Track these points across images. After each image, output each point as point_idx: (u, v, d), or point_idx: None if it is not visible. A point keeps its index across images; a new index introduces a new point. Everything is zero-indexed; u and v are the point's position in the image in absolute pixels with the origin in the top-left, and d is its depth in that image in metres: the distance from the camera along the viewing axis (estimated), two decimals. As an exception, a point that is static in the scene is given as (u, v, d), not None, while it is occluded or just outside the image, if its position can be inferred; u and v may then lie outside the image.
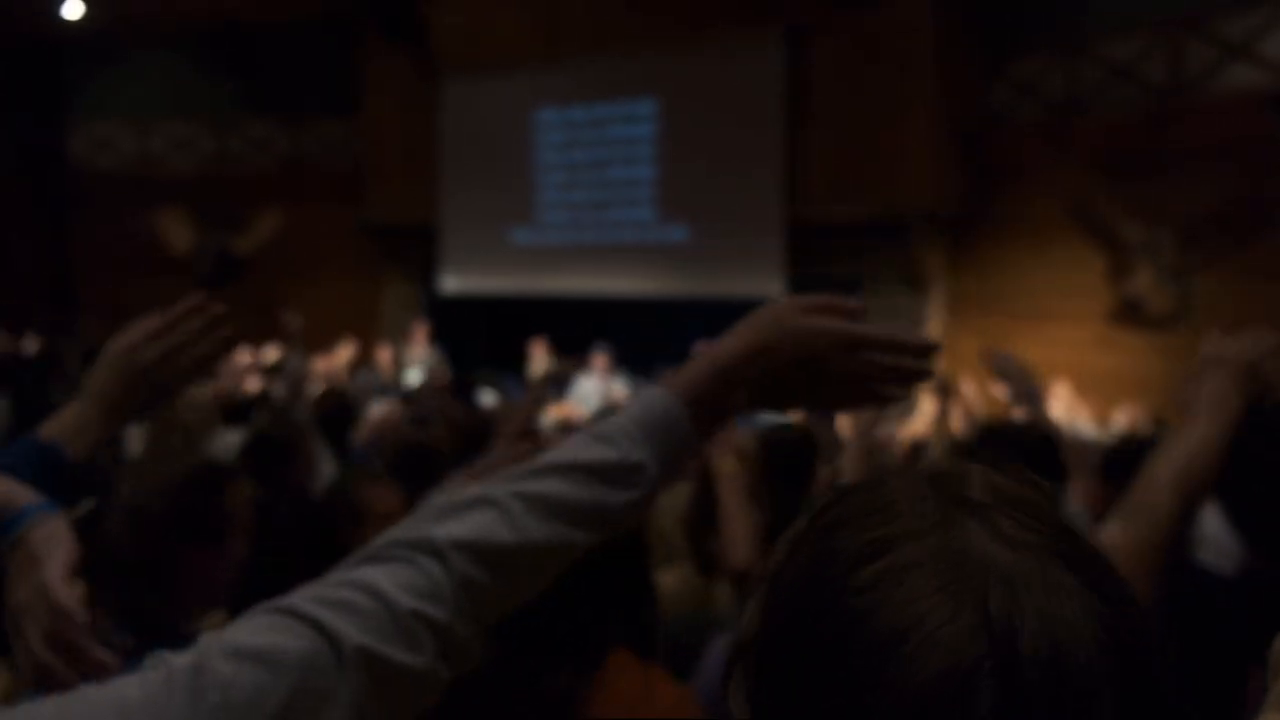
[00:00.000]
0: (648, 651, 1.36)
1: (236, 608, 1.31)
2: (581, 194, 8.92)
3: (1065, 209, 6.94)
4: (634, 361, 7.50)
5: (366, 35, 9.23)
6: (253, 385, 4.72)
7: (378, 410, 4.65)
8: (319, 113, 10.06)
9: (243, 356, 4.72)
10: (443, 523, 0.70)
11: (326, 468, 3.18)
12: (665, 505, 2.73)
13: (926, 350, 0.81)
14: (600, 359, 7.32)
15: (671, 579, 2.40)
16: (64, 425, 1.07)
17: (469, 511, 0.70)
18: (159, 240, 9.96)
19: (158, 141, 10.51)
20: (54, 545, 0.88)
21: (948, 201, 7.45)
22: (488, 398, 6.34)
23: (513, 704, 1.25)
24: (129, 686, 0.58)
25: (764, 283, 7.96)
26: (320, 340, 8.20)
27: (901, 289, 7.65)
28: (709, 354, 0.82)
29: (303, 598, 0.65)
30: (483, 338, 9.03)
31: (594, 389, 7.14)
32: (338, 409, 3.98)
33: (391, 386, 7.11)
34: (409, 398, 5.84)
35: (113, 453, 2.91)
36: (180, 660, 0.60)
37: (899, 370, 0.81)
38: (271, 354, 4.80)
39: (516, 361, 7.99)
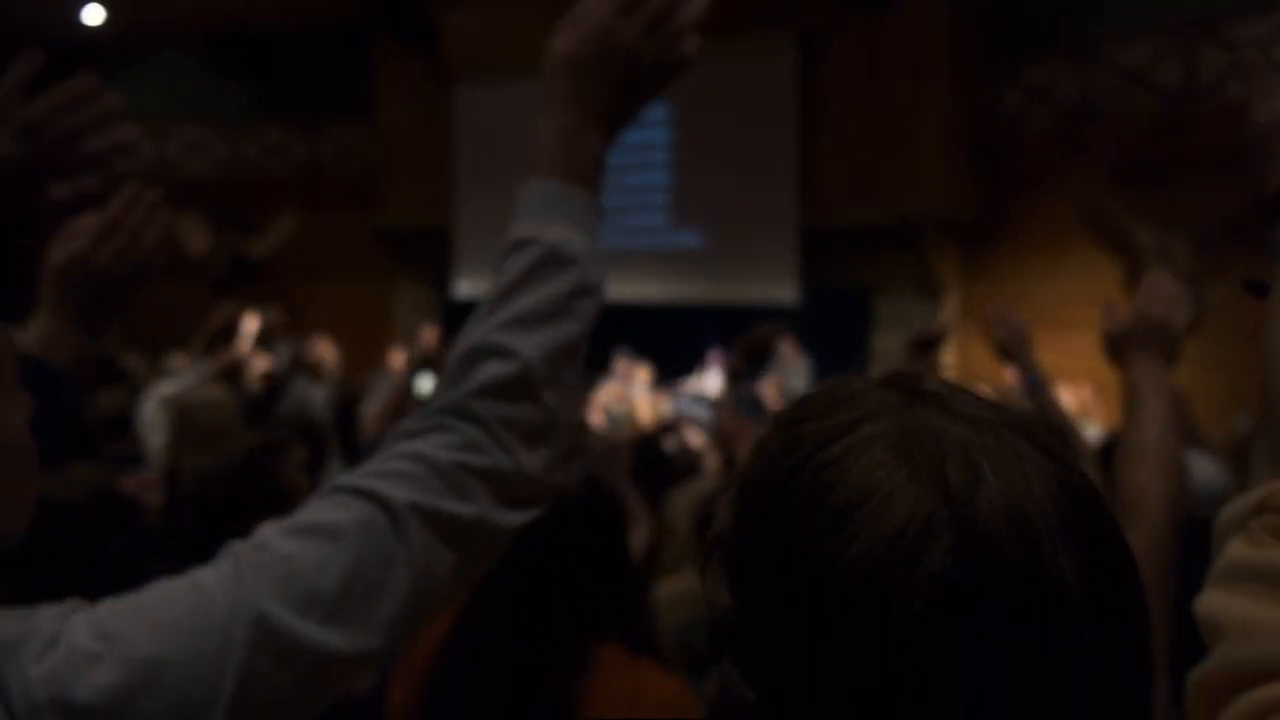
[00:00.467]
0: (643, 647, 1.35)
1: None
2: (594, 199, 8.93)
3: (1079, 215, 6.92)
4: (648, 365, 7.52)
5: (380, 40, 9.27)
6: (259, 366, 4.79)
7: (374, 407, 4.71)
8: (333, 118, 10.11)
9: (251, 322, 4.81)
10: (454, 387, 0.73)
11: (335, 464, 3.21)
12: (681, 506, 2.73)
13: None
14: (641, 370, 7.35)
15: (685, 583, 2.38)
16: (37, 340, 1.02)
17: (470, 367, 0.73)
18: (174, 243, 10.03)
19: (173, 146, 10.58)
20: None
21: (961, 208, 7.43)
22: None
23: (505, 700, 1.25)
24: (202, 572, 0.61)
25: (777, 288, 7.96)
26: (338, 343, 8.22)
27: (915, 296, 7.64)
28: (545, 126, 0.84)
29: (350, 476, 0.68)
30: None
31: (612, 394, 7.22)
32: (347, 406, 4.06)
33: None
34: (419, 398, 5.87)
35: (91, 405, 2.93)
36: (244, 543, 0.63)
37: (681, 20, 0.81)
38: (251, 322, 4.88)
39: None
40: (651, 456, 3.67)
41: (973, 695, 0.42)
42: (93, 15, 8.57)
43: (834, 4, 7.30)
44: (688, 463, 4.41)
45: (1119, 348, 1.29)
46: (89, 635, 0.55)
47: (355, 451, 3.69)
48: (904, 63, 7.33)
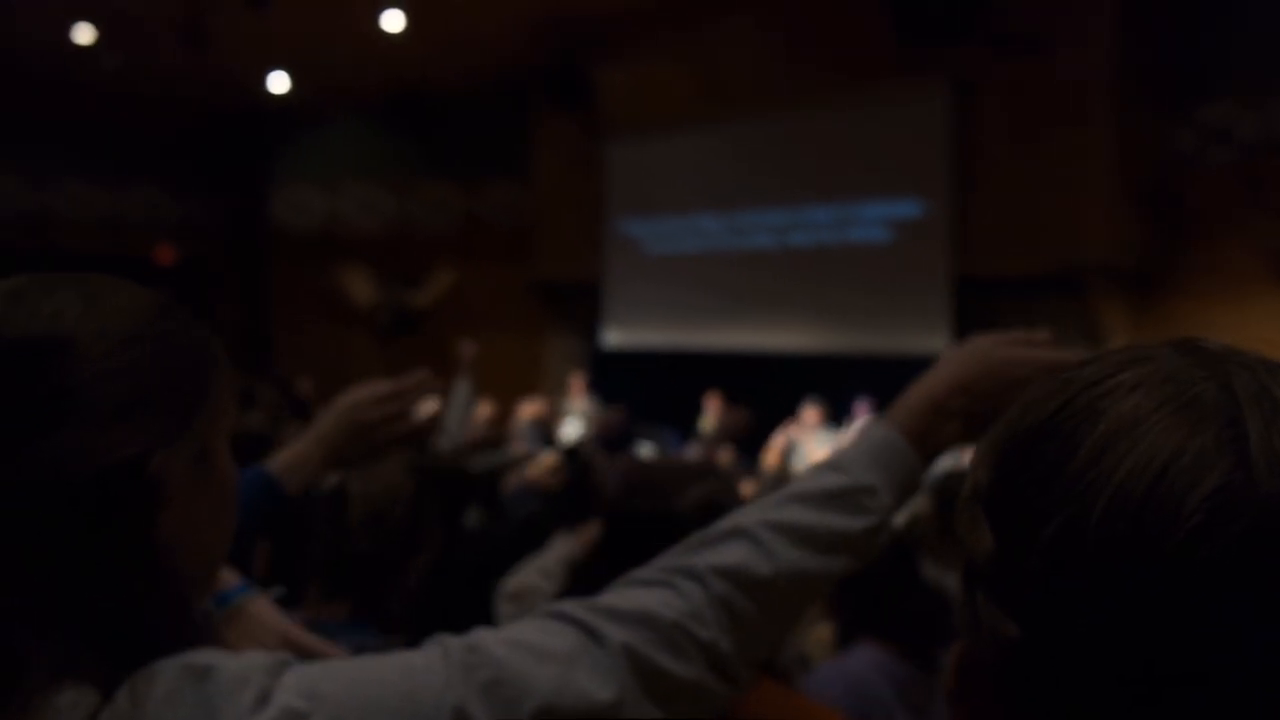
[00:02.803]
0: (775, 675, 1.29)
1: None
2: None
3: (1263, 259, 6.47)
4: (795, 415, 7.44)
5: (536, 99, 9.64)
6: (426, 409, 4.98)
7: (536, 462, 4.78)
8: (492, 175, 10.53)
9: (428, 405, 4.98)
10: (700, 553, 0.73)
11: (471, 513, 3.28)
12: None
13: None
14: (811, 413, 7.34)
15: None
16: (288, 461, 1.15)
17: (723, 542, 0.74)
18: (343, 294, 10.62)
19: (345, 202, 11.26)
20: (273, 612, 0.96)
21: (1128, 253, 7.07)
22: (645, 450, 6.40)
23: None
24: (412, 655, 0.64)
25: (929, 339, 7.74)
26: (488, 390, 8.49)
27: (1079, 345, 7.28)
28: (920, 389, 0.85)
29: (571, 606, 0.69)
30: (642, 392, 9.15)
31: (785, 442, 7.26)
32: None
33: (545, 437, 7.28)
34: (570, 450, 5.97)
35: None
36: (457, 640, 0.65)
37: None
38: (429, 407, 5.01)
39: (677, 415, 8.04)
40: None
41: (1244, 616, 0.39)
42: (278, 84, 9.27)
43: (987, 50, 7.14)
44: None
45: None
46: (298, 694, 0.58)
47: (496, 503, 3.77)
48: (1064, 106, 7.08)
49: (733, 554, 0.72)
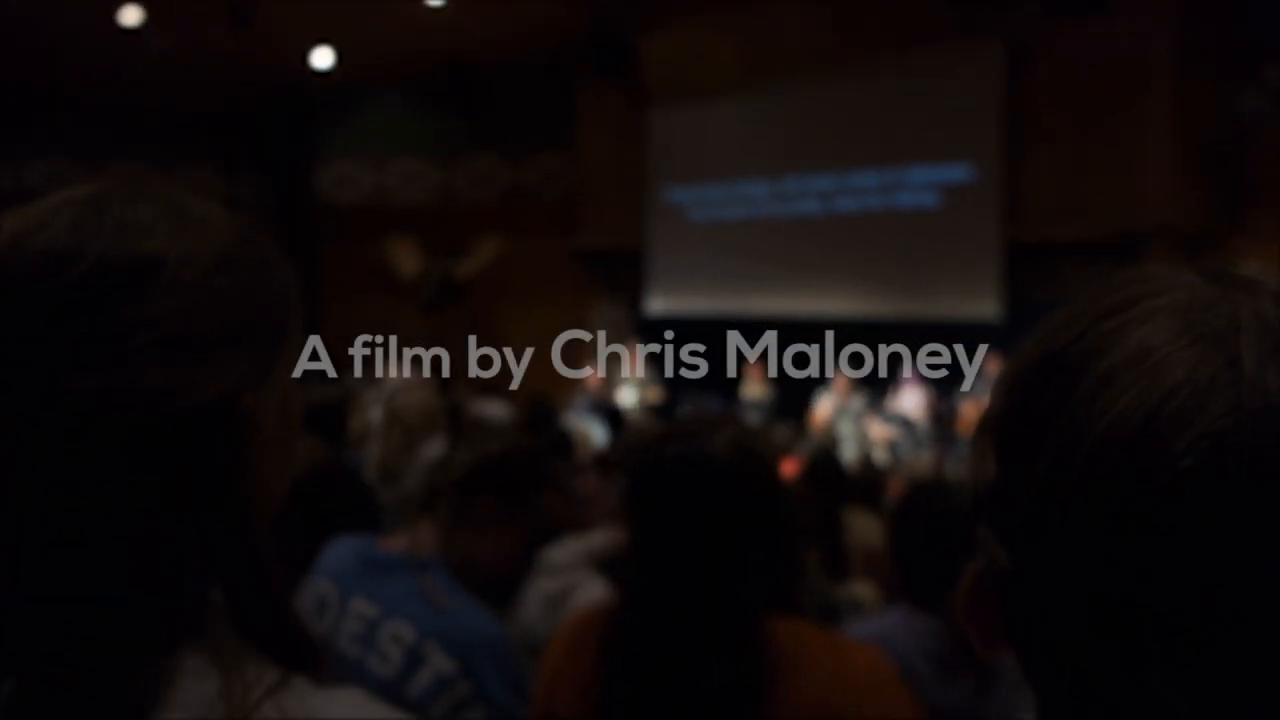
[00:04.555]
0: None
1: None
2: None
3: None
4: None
5: (581, 70, 9.59)
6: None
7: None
8: (537, 146, 10.53)
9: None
10: None
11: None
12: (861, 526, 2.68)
13: None
14: (840, 380, 7.31)
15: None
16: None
17: None
18: (389, 266, 10.71)
19: (391, 177, 11.33)
20: None
21: (1187, 217, 6.88)
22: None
23: (687, 691, 1.15)
24: None
25: (979, 305, 7.63)
26: (534, 360, 8.56)
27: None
28: None
29: None
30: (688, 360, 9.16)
31: (833, 407, 7.24)
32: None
33: (600, 406, 7.32)
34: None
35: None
36: None
37: None
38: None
39: (724, 383, 8.04)
40: (828, 469, 3.59)
41: (1229, 561, 0.39)
42: (322, 60, 9.31)
43: (1043, 10, 6.94)
44: (869, 480, 4.29)
45: None
46: None
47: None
48: (1122, 68, 6.88)
49: None
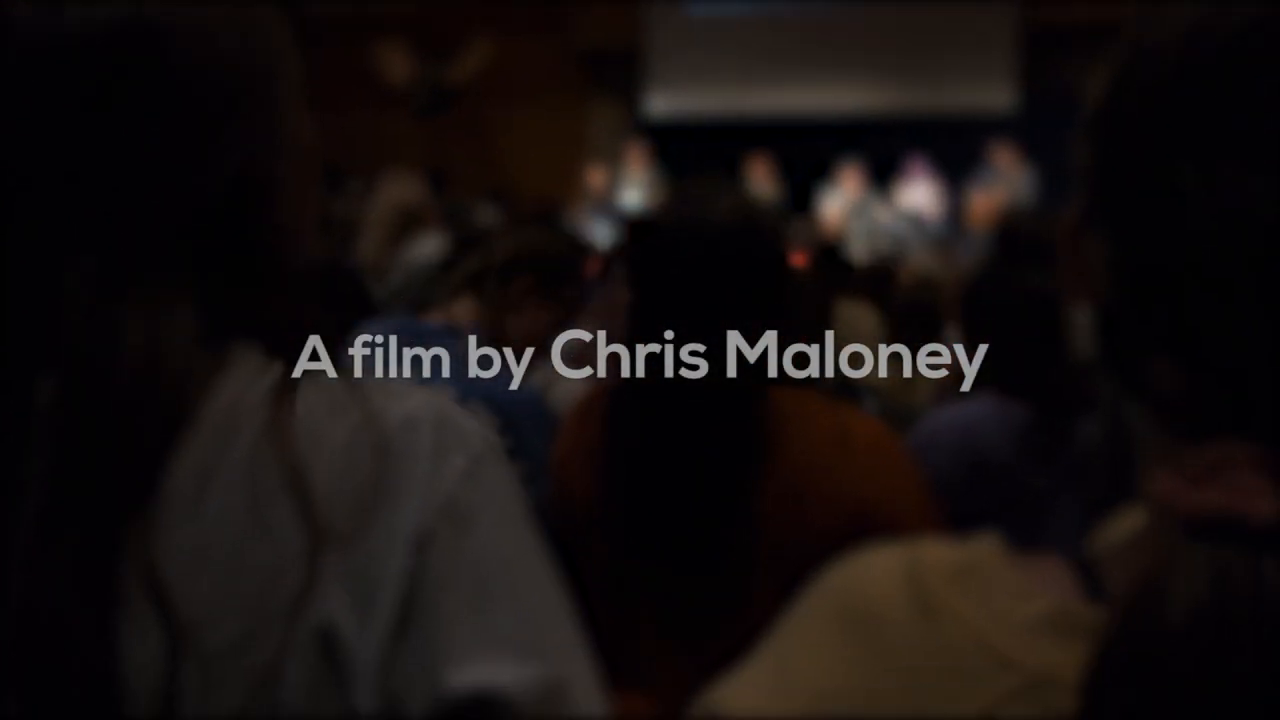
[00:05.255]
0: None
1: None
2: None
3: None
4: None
5: None
6: None
7: None
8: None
9: None
10: None
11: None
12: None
13: None
14: (851, 174, 7.16)
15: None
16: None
17: None
18: (378, 73, 10.31)
19: (373, -25, 10.75)
20: None
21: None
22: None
23: (693, 448, 1.16)
24: None
25: (991, 95, 7.40)
26: (531, 165, 8.39)
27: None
28: None
29: None
30: (691, 161, 8.96)
31: (843, 204, 7.10)
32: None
33: (605, 209, 7.21)
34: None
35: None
36: None
37: None
38: None
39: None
40: (833, 262, 3.56)
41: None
42: None
43: None
44: (878, 276, 4.22)
45: None
46: None
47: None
48: None
49: None
